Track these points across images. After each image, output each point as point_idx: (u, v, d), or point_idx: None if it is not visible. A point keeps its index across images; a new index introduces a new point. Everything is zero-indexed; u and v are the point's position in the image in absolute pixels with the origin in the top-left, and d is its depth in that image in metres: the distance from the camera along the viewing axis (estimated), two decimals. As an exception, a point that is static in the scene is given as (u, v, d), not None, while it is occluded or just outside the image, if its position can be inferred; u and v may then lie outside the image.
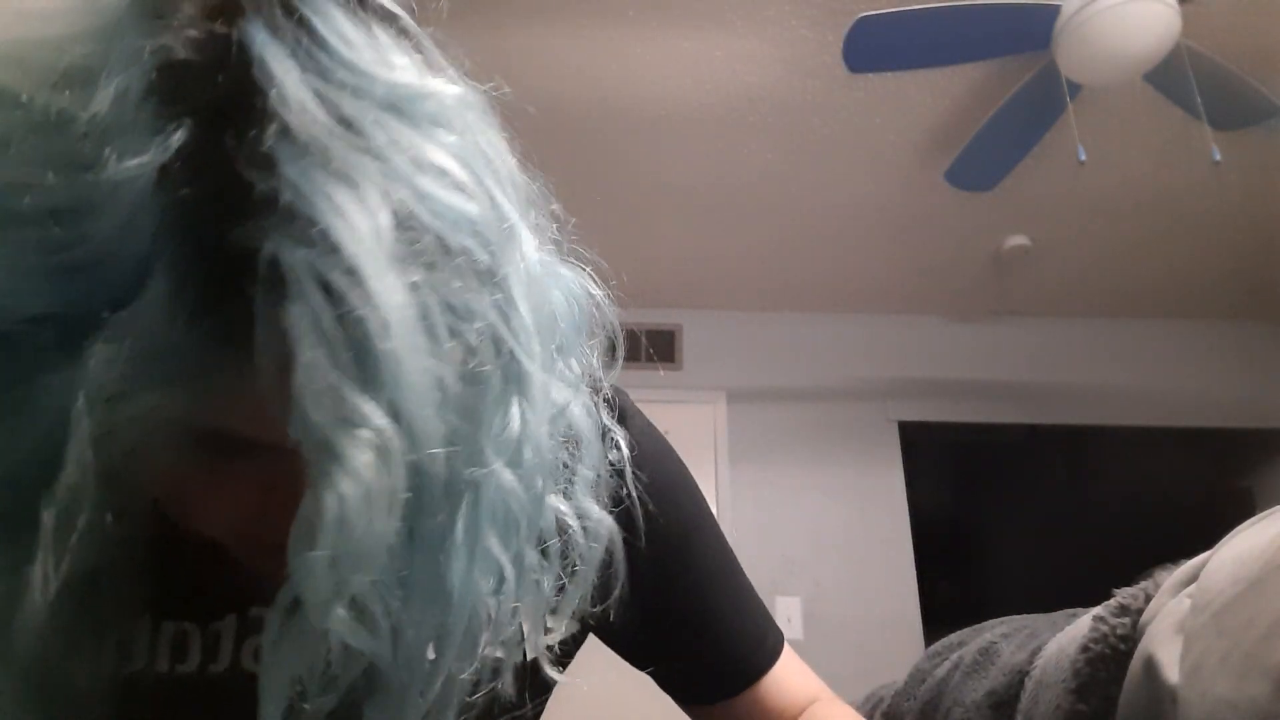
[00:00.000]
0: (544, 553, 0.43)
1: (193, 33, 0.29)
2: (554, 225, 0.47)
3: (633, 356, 3.15)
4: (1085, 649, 0.49)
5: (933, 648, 0.75)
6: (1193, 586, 0.45)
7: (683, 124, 2.32)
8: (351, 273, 0.28)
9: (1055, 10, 1.77)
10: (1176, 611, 0.45)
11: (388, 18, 0.34)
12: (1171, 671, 0.42)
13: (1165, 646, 0.43)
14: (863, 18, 1.78)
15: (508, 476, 0.35)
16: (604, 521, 0.47)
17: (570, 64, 2.13)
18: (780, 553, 2.91)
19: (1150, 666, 0.44)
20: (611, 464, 0.54)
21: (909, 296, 3.23)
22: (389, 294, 0.29)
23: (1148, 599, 0.48)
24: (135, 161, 0.27)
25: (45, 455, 0.29)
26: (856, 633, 2.81)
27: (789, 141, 2.39)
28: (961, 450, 3.83)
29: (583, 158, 2.46)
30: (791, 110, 2.28)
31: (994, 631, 0.66)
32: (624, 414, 0.57)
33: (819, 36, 2.05)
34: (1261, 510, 0.47)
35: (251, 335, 0.29)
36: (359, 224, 0.28)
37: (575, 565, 0.46)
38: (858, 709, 0.89)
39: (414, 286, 0.30)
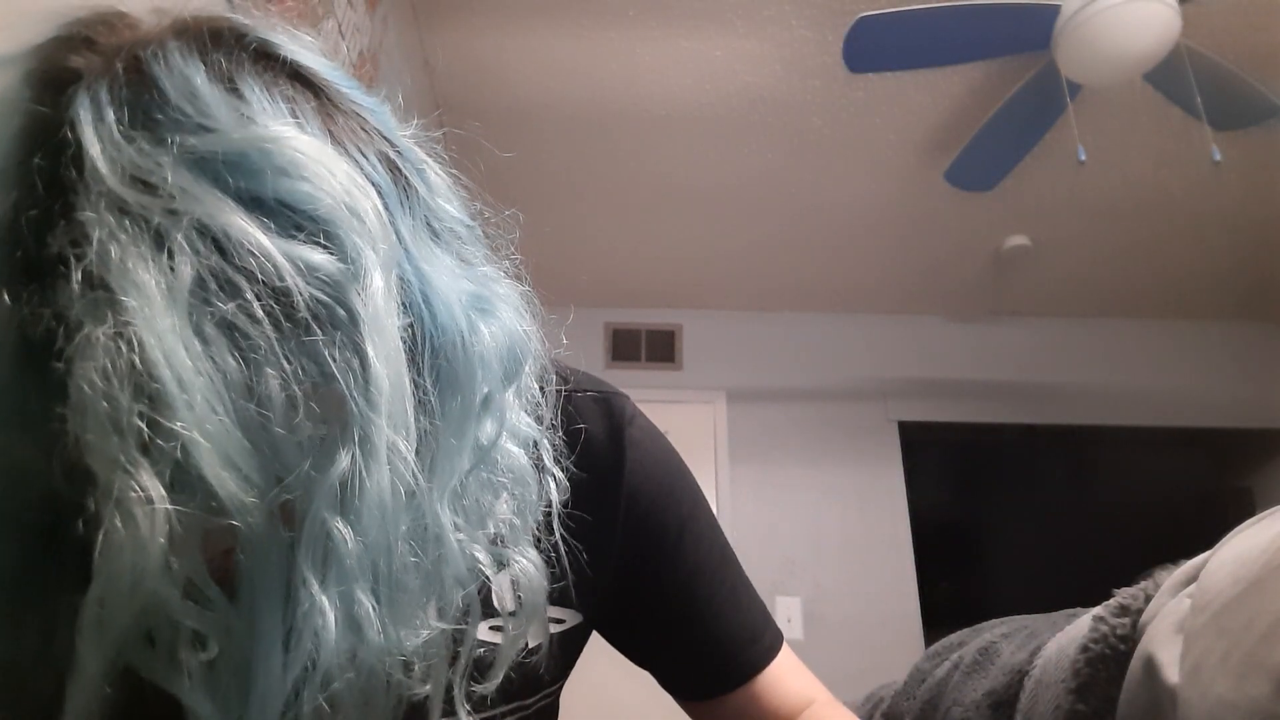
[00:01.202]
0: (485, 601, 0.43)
1: (32, 101, 0.34)
2: (503, 253, 0.48)
3: (633, 356, 3.15)
4: (1085, 649, 0.49)
5: (932, 648, 0.75)
6: (1193, 586, 0.45)
7: (683, 124, 2.32)
8: (137, 340, 0.30)
9: (1055, 10, 1.77)
10: (1176, 611, 0.45)
11: (272, 67, 0.37)
12: (1171, 672, 0.42)
13: (1165, 647, 0.43)
14: (863, 18, 1.78)
15: (338, 526, 0.34)
16: (532, 572, 0.46)
17: (570, 64, 2.13)
18: (780, 553, 2.91)
19: (1150, 667, 0.44)
20: (606, 470, 0.55)
21: (909, 296, 3.23)
22: (175, 355, 0.30)
23: (1148, 599, 0.48)
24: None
25: None
26: (856, 633, 2.80)
27: (789, 141, 2.39)
28: (961, 450, 3.83)
29: (583, 157, 2.46)
30: (791, 110, 2.28)
31: (994, 632, 0.66)
32: (625, 416, 0.58)
33: (819, 36, 2.05)
34: (1261, 510, 0.47)
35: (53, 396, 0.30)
36: (149, 284, 0.30)
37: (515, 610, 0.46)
38: (857, 709, 0.89)
39: (206, 341, 0.31)
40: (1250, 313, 3.30)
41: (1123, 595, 0.50)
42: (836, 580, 2.89)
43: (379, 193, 0.37)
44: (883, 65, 1.93)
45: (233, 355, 0.31)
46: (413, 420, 0.36)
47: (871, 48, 1.85)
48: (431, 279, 0.38)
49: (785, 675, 0.60)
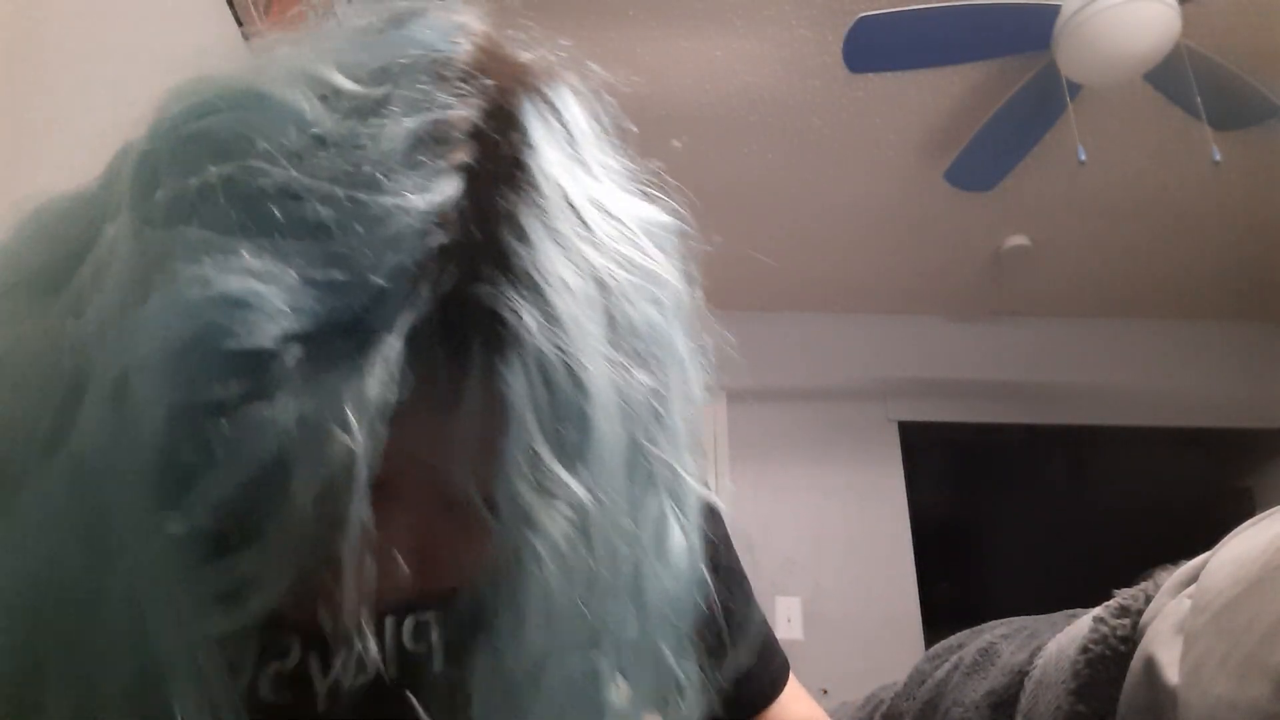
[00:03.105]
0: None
1: (475, 98, 0.31)
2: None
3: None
4: (1085, 650, 0.49)
5: (932, 649, 0.75)
6: (1193, 587, 0.45)
7: (682, 124, 2.32)
8: (569, 351, 0.29)
9: (1055, 10, 1.77)
10: (1177, 612, 0.45)
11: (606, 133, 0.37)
12: (1172, 672, 0.42)
13: (1165, 647, 0.43)
14: (863, 18, 1.78)
15: (667, 580, 0.34)
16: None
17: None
18: (780, 553, 2.90)
19: (1150, 667, 0.44)
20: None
21: (909, 296, 3.22)
22: (602, 378, 0.29)
23: (1148, 600, 0.48)
24: (417, 197, 0.28)
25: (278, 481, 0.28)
26: (856, 633, 2.80)
27: (789, 141, 2.39)
28: (961, 450, 3.83)
29: (583, 158, 2.45)
30: (791, 110, 2.27)
31: (994, 632, 0.66)
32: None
33: (819, 36, 2.05)
34: (1261, 510, 0.46)
35: (450, 389, 0.29)
36: (582, 309, 0.29)
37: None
38: (857, 710, 0.89)
39: (622, 378, 0.31)
40: (1250, 313, 3.30)
41: (1123, 596, 0.50)
42: (836, 580, 2.89)
43: None
44: (883, 65, 1.93)
45: (633, 391, 0.32)
46: None
47: (871, 48, 1.85)
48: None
49: (791, 703, 0.58)
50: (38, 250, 0.33)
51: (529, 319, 0.28)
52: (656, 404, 0.33)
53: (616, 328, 0.31)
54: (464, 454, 0.30)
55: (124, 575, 0.28)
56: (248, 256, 0.27)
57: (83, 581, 0.28)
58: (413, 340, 0.28)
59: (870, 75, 2.12)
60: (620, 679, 0.34)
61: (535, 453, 0.28)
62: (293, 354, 0.27)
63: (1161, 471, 3.70)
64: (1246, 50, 1.98)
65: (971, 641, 0.68)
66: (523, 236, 0.29)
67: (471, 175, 0.30)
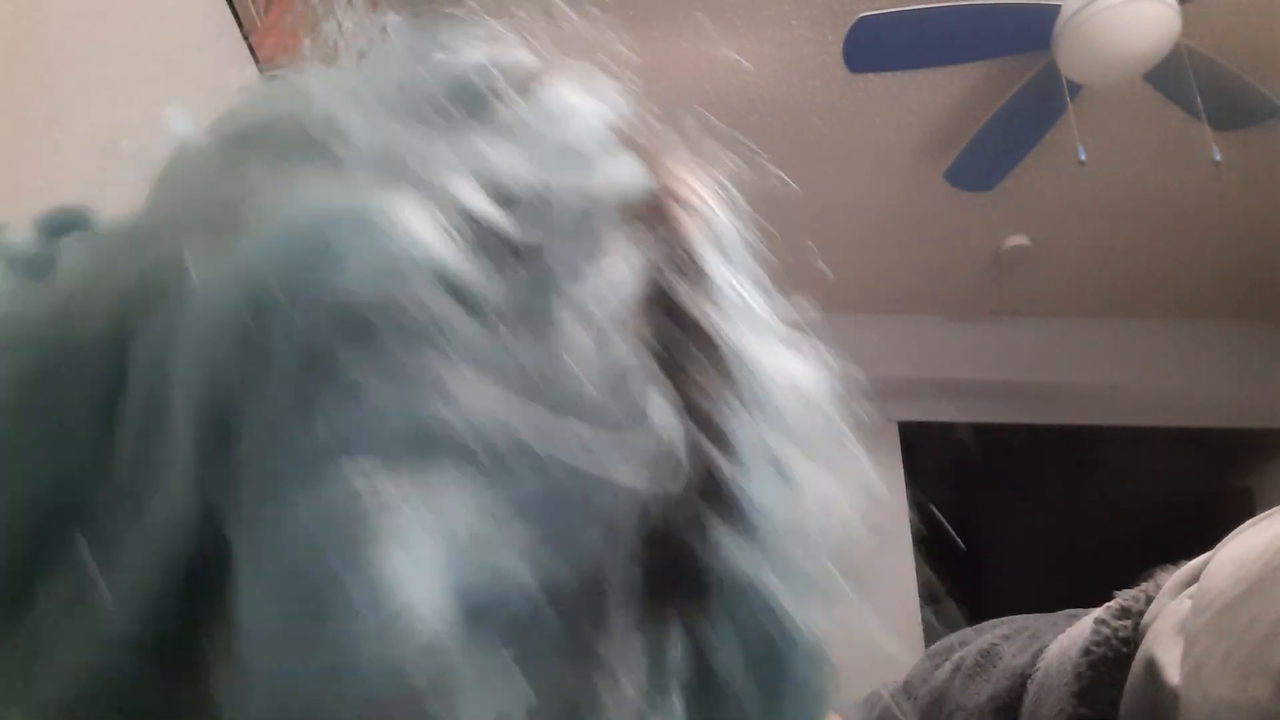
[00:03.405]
0: None
1: (657, 250, 0.23)
2: None
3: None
4: (1087, 651, 0.49)
5: (933, 648, 0.75)
6: (1193, 587, 0.45)
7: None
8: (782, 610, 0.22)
9: (1055, 10, 1.77)
10: (1177, 612, 0.44)
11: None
12: (1173, 673, 0.42)
13: (1166, 648, 0.43)
14: (863, 18, 1.78)
15: None
16: None
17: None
18: (780, 553, 2.91)
19: (1151, 668, 0.43)
20: None
21: (909, 296, 3.23)
22: (812, 634, 0.23)
23: (1149, 600, 0.48)
24: (627, 468, 0.19)
25: None
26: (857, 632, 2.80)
27: (789, 142, 2.39)
28: (961, 450, 3.83)
29: (582, 158, 2.46)
30: (791, 110, 2.27)
31: (994, 633, 0.66)
32: None
33: (819, 36, 2.05)
34: (1261, 510, 0.46)
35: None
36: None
37: None
38: (857, 709, 0.89)
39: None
40: (1250, 313, 3.30)
41: (1124, 597, 0.50)
42: (836, 580, 2.89)
43: None
44: (883, 65, 1.93)
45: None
46: None
47: (871, 48, 1.85)
48: None
49: None
50: None
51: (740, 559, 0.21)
52: None
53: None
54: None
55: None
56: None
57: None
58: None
59: (870, 75, 2.13)
60: None
61: None
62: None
63: (1161, 471, 3.70)
64: (1246, 50, 1.98)
65: (972, 641, 0.68)
66: (730, 452, 0.22)
67: (683, 384, 0.21)
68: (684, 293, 0.23)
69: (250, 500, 0.18)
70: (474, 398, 0.18)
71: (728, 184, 0.28)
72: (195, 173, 0.24)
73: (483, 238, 0.20)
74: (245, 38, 1.15)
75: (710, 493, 0.21)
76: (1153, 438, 3.34)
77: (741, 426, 0.22)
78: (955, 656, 0.68)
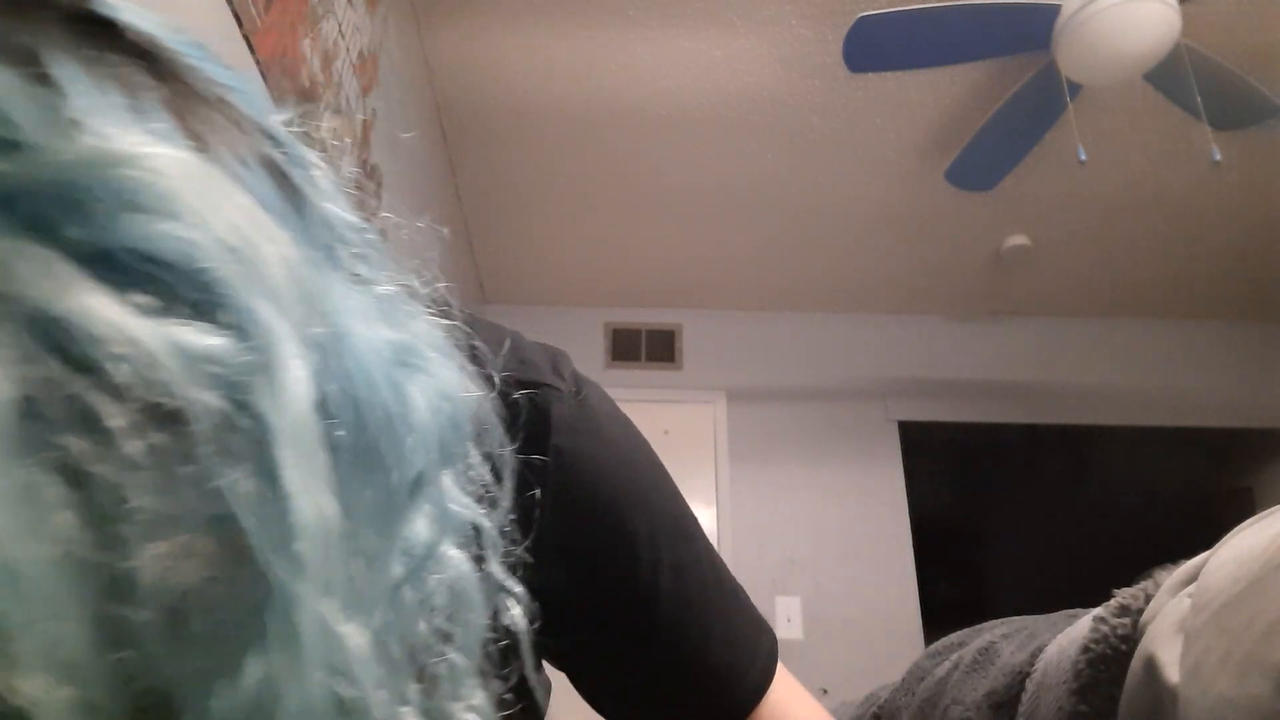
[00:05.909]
0: None
1: None
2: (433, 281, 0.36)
3: (633, 356, 3.15)
4: (1086, 649, 0.49)
5: (932, 647, 0.75)
6: (1193, 586, 0.45)
7: (683, 124, 2.32)
8: None
9: (1055, 10, 1.77)
10: (1177, 611, 0.45)
11: (95, 34, 0.23)
12: (1172, 671, 0.42)
13: (1166, 646, 0.43)
14: (863, 18, 1.78)
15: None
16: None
17: (570, 64, 2.13)
18: (780, 553, 2.91)
19: (1151, 666, 0.44)
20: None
21: (909, 296, 3.23)
22: None
23: (1148, 599, 0.48)
24: None
25: None
26: (856, 633, 2.81)
27: (789, 141, 2.39)
28: (961, 450, 3.83)
29: (583, 157, 2.46)
30: (791, 110, 2.28)
31: (994, 632, 0.66)
32: (585, 413, 0.48)
33: (819, 36, 2.05)
34: (1261, 510, 0.47)
35: None
36: None
37: None
38: (856, 708, 0.89)
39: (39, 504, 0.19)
40: (1250, 313, 3.30)
41: (1123, 595, 0.50)
42: (836, 580, 2.89)
43: (276, 220, 0.25)
44: (883, 65, 1.93)
45: (85, 521, 0.19)
46: (348, 573, 0.24)
47: (871, 48, 1.85)
48: (347, 334, 0.26)
49: (792, 704, 0.51)
50: None
51: None
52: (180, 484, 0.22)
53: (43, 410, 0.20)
54: None
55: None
56: None
57: None
58: None
59: (870, 75, 2.13)
60: None
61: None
62: None
63: (1161, 471, 3.70)
64: (1246, 50, 1.98)
65: (972, 640, 0.68)
66: None
67: None
68: None
69: None
70: None
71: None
72: None
73: None
74: (245, 38, 1.15)
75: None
76: (1152, 437, 3.34)
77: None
78: (954, 655, 0.68)
